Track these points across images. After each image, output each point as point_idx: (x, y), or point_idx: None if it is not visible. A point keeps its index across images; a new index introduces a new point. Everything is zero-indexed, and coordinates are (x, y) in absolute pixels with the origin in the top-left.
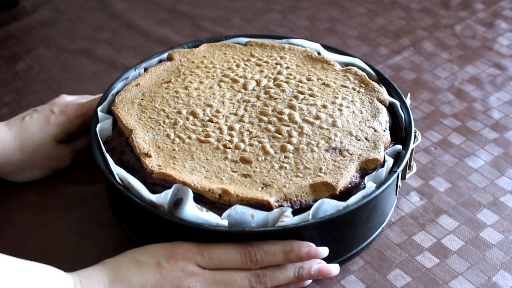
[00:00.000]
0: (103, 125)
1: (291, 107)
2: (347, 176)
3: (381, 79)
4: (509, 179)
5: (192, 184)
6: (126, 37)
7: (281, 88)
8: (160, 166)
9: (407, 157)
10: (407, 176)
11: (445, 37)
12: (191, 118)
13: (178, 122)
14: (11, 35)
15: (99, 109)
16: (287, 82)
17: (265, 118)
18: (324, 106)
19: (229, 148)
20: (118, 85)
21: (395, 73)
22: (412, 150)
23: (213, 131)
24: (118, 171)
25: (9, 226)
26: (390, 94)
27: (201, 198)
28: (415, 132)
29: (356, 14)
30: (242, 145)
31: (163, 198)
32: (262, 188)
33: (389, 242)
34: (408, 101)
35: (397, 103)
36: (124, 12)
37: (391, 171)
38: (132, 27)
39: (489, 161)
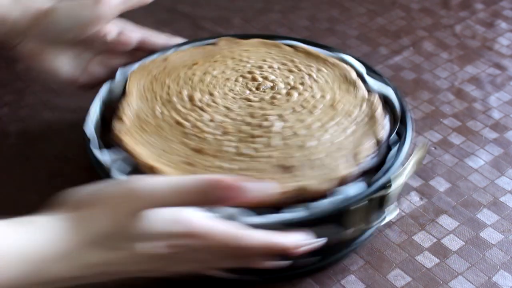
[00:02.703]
0: (116, 85)
1: (280, 116)
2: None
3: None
4: (509, 179)
5: (137, 156)
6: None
7: (289, 96)
8: (124, 132)
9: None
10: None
11: (445, 37)
12: (186, 100)
13: (173, 100)
14: None
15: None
16: (300, 94)
17: (248, 119)
18: (309, 126)
19: (195, 135)
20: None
21: (395, 73)
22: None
23: (194, 117)
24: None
25: None
26: (399, 133)
27: (138, 172)
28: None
29: (356, 14)
30: (208, 137)
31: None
32: None
33: (389, 242)
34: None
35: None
36: (124, 12)
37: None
38: None
39: (489, 161)
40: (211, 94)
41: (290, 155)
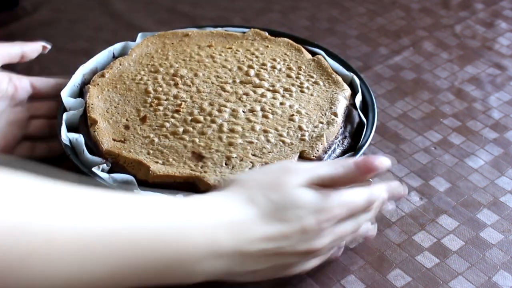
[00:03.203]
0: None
1: (233, 111)
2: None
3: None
4: (509, 179)
5: (88, 105)
6: (126, 37)
7: (262, 97)
8: (95, 84)
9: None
10: None
11: (445, 37)
12: (171, 73)
13: (159, 70)
14: (11, 35)
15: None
16: (274, 98)
17: (205, 105)
18: (252, 128)
19: (150, 105)
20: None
21: (395, 73)
22: None
23: (163, 90)
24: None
25: None
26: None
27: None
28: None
29: (356, 14)
30: (159, 110)
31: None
32: (130, 151)
33: (389, 242)
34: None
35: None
36: (124, 12)
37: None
38: (132, 27)
39: (489, 161)
40: (195, 75)
41: (211, 147)
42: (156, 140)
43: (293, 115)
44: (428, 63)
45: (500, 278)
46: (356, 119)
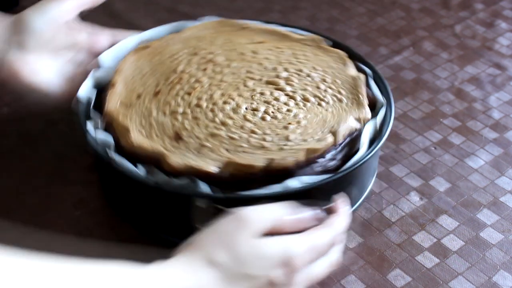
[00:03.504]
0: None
1: (237, 106)
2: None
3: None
4: (509, 179)
5: (116, 83)
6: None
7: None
8: (136, 54)
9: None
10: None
11: (445, 37)
12: (208, 58)
13: (197, 54)
14: None
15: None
16: (285, 103)
17: (217, 95)
18: (242, 127)
19: (171, 85)
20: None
21: (395, 73)
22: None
23: (190, 72)
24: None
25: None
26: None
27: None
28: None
29: (356, 14)
30: (177, 89)
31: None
32: (126, 117)
33: (389, 242)
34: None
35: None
36: (124, 12)
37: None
38: (132, 27)
39: (489, 161)
40: (228, 65)
41: (193, 132)
42: (154, 114)
43: (290, 123)
44: (428, 63)
45: (500, 278)
46: (358, 146)
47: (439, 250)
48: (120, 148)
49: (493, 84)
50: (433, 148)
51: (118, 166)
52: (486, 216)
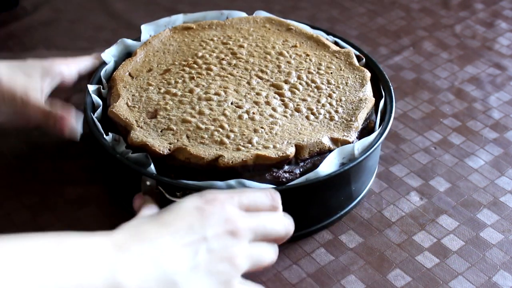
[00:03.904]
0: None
1: (235, 91)
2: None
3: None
4: (509, 179)
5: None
6: (126, 37)
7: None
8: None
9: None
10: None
11: (445, 37)
12: (231, 49)
13: (227, 44)
14: (11, 35)
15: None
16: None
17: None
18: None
19: (182, 66)
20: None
21: (395, 73)
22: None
23: (206, 62)
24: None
25: (9, 228)
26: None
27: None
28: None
29: (356, 14)
30: (183, 72)
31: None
32: (126, 86)
33: (389, 242)
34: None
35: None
36: (124, 12)
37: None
38: (132, 27)
39: (489, 161)
40: (246, 61)
41: (169, 113)
42: (151, 88)
43: (262, 127)
44: (428, 63)
45: (500, 278)
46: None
47: (439, 250)
48: (105, 114)
49: (493, 84)
50: (433, 148)
51: (91, 128)
52: (486, 216)
